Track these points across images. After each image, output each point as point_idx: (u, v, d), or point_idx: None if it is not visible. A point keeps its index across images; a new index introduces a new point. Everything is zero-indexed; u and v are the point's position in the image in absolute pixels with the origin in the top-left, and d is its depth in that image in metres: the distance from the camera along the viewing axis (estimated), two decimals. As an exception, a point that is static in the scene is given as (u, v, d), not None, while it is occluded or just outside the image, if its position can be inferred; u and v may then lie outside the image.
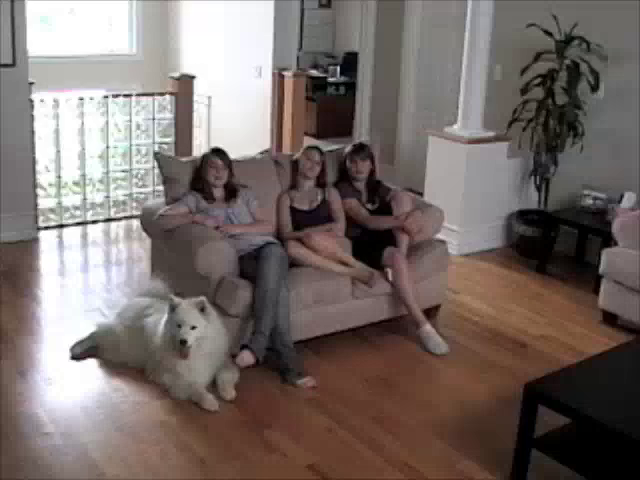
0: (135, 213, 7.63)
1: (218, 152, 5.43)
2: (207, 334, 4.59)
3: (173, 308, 4.57)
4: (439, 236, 5.96)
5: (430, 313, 5.67)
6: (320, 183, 5.71)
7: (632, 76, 6.73)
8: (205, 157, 5.41)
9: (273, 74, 8.58)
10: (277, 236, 5.49)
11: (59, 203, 7.59)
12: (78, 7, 10.64)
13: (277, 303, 4.83)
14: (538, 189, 7.27)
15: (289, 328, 4.91)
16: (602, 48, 6.77)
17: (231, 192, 5.41)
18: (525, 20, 6.92)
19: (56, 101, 7.49)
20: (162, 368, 4.64)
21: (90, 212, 7.78)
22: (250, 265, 5.00)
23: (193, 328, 4.52)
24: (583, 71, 6.80)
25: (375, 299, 5.41)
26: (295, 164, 5.75)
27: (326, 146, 6.31)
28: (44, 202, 7.48)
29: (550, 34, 6.80)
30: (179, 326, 4.51)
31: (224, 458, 4.05)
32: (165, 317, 4.63)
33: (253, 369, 4.76)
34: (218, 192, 5.38)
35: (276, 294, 4.83)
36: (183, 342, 4.49)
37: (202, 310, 4.59)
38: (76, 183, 7.75)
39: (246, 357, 4.71)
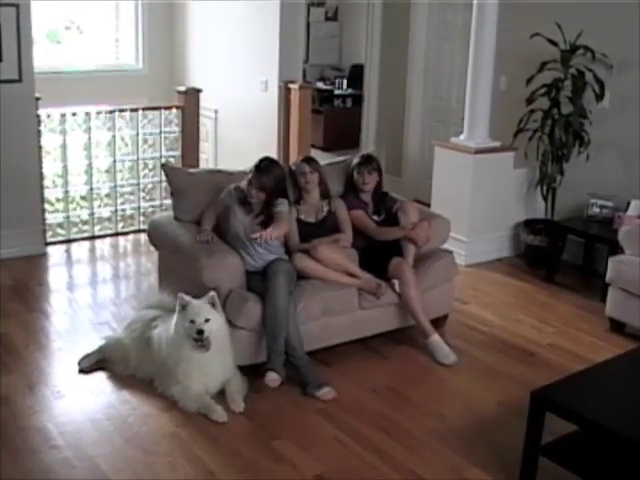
0: (143, 227, 7.65)
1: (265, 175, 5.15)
2: (220, 328, 4.60)
3: (184, 306, 4.58)
4: (446, 246, 5.97)
5: (438, 323, 5.67)
6: (324, 194, 5.66)
7: (637, 85, 6.73)
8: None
9: (279, 87, 8.60)
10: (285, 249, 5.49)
11: (67, 218, 7.61)
12: (85, 22, 10.69)
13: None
14: (545, 198, 7.26)
15: (300, 341, 4.91)
16: (607, 57, 6.80)
17: (268, 216, 5.14)
18: (529, 30, 6.93)
19: (63, 116, 7.52)
20: (171, 379, 4.64)
21: (98, 227, 7.81)
22: (256, 281, 5.00)
23: (207, 320, 4.53)
24: (588, 80, 6.82)
25: (382, 310, 5.41)
26: (295, 181, 5.70)
27: (333, 158, 6.32)
28: (52, 217, 7.51)
29: (555, 43, 6.81)
30: (192, 322, 4.52)
31: (233, 469, 4.06)
32: (174, 319, 4.63)
33: (260, 380, 4.78)
34: (257, 206, 5.18)
35: (287, 311, 4.84)
36: (200, 332, 4.49)
37: (212, 305, 4.61)
38: (83, 198, 7.77)
39: (274, 378, 4.77)
